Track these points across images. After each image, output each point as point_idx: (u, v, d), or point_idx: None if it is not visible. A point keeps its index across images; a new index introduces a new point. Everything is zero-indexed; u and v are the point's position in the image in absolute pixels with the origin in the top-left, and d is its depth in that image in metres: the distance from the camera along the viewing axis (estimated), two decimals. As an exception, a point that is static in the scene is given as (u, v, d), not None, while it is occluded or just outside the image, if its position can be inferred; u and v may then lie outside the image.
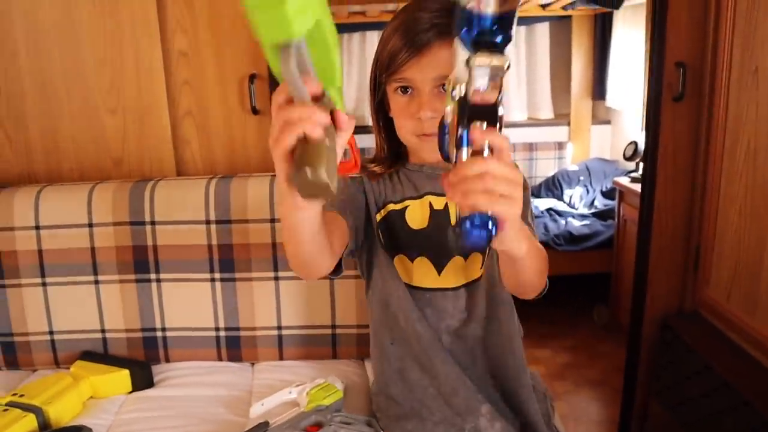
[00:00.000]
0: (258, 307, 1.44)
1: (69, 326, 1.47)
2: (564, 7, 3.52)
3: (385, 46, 0.97)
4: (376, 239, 1.09)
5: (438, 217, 1.05)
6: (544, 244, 2.95)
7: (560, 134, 3.87)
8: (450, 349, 1.07)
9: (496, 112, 0.64)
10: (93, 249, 1.43)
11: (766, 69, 1.46)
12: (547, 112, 3.93)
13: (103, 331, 1.47)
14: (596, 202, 3.31)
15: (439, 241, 1.05)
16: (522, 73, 3.88)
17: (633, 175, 2.78)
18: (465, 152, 0.64)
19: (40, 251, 1.44)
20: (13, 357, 1.49)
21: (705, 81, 1.68)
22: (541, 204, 3.42)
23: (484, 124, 0.63)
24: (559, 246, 2.95)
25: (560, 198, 3.50)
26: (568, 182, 3.51)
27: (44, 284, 1.45)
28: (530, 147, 3.82)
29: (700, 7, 1.68)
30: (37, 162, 1.58)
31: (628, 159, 2.86)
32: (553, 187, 3.59)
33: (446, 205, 1.04)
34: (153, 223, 1.41)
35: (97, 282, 1.45)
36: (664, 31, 1.69)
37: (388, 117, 1.04)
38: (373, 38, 3.77)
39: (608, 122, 3.81)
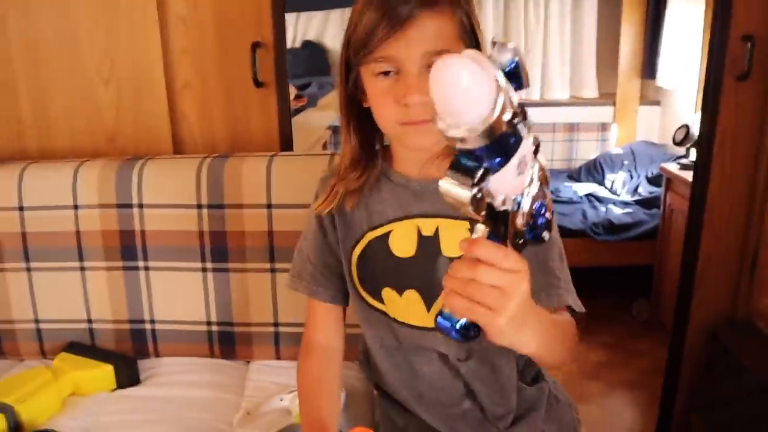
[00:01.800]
0: (253, 301, 1.30)
1: (55, 315, 1.37)
2: (614, -22, 3.27)
3: (358, 23, 0.81)
4: (350, 283, 0.96)
5: (427, 244, 0.89)
6: (581, 232, 2.76)
7: (604, 115, 3.64)
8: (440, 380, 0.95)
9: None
10: (78, 233, 1.32)
11: None
12: (591, 90, 3.70)
13: (89, 321, 1.36)
14: (640, 189, 3.08)
15: (429, 272, 0.89)
16: (566, 50, 3.65)
17: (683, 161, 2.55)
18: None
19: (23, 234, 1.33)
20: (-1, 345, 1.40)
21: (774, 57, 1.47)
22: (581, 189, 3.22)
23: (481, 231, 0.57)
24: (598, 235, 2.75)
25: (601, 183, 3.28)
26: (610, 166, 3.28)
27: (29, 269, 1.35)
28: (572, 128, 3.60)
29: (772, -28, 1.46)
30: (29, 137, 1.47)
31: (679, 144, 2.63)
32: (594, 171, 3.36)
33: (437, 231, 0.88)
34: (141, 206, 1.29)
35: (83, 269, 1.34)
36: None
37: (362, 110, 0.88)
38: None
39: (657, 103, 3.55)
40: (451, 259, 0.86)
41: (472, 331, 0.59)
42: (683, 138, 2.61)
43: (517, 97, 0.51)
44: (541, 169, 0.60)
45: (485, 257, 0.55)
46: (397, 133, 0.85)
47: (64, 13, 1.39)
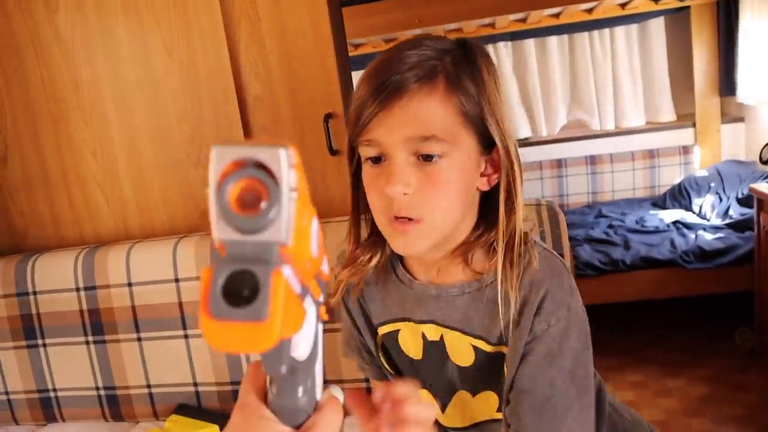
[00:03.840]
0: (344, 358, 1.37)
1: (164, 380, 1.49)
2: (679, -2, 3.22)
3: (353, 100, 0.73)
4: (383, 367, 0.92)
5: (433, 349, 0.82)
6: (671, 262, 2.67)
7: (685, 137, 3.53)
8: None
9: None
10: (180, 304, 1.44)
11: None
12: (668, 114, 3.61)
13: (195, 384, 1.47)
14: (731, 212, 2.95)
15: (438, 376, 0.84)
16: (637, 75, 3.60)
17: (773, 179, 2.45)
18: None
19: (133, 307, 1.47)
20: (117, 409, 1.53)
21: None
22: (667, 216, 3.12)
23: None
24: (689, 263, 2.65)
25: (689, 208, 3.17)
26: (697, 190, 3.17)
27: (139, 339, 1.48)
28: (651, 154, 3.51)
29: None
30: (131, 218, 1.63)
31: (766, 162, 2.52)
32: (680, 196, 3.26)
33: (441, 337, 0.81)
34: (234, 275, 1.40)
35: (186, 336, 1.45)
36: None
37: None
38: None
39: (741, 120, 3.42)
40: (459, 368, 0.81)
41: None
42: (771, 155, 2.51)
43: None
44: None
45: None
46: (385, 230, 0.74)
47: (156, 106, 1.55)
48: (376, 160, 0.72)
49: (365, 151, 0.72)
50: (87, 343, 1.51)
